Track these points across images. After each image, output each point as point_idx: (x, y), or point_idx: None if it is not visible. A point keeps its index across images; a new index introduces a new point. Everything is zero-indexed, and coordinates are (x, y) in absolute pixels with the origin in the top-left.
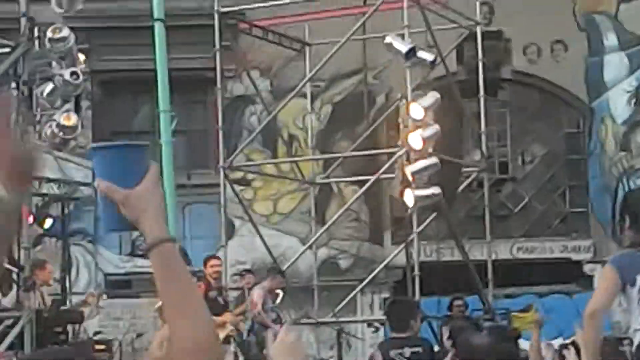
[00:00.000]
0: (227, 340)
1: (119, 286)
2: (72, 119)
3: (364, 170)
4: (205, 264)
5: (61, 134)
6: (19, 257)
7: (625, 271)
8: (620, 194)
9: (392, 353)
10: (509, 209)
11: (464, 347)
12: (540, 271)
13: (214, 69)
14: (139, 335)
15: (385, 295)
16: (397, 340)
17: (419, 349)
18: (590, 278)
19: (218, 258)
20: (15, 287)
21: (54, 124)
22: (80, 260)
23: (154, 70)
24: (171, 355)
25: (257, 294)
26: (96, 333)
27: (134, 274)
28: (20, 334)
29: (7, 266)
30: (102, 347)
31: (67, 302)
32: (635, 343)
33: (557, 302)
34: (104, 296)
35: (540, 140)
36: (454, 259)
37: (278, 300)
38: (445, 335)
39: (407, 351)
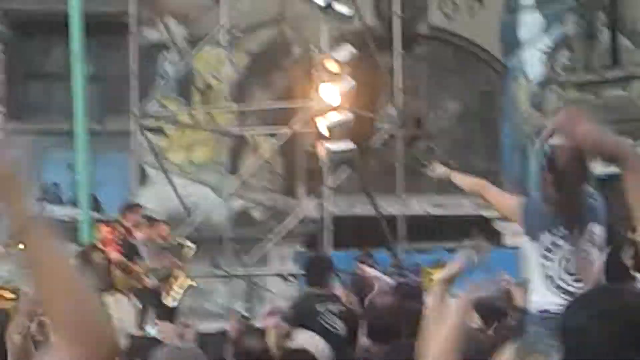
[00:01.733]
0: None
1: None
2: None
3: (279, 122)
4: (126, 211)
5: None
6: None
7: (531, 218)
8: (532, 153)
9: (319, 307)
10: (422, 164)
11: (370, 309)
12: (452, 227)
13: (129, 13)
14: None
15: (298, 248)
16: (317, 296)
17: (342, 307)
18: (500, 235)
19: (137, 205)
20: None
21: None
22: None
23: (68, 13)
24: (58, 341)
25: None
26: (7, 282)
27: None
28: None
29: None
30: (10, 295)
31: None
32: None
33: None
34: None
35: (456, 96)
36: (367, 213)
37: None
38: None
39: (332, 307)
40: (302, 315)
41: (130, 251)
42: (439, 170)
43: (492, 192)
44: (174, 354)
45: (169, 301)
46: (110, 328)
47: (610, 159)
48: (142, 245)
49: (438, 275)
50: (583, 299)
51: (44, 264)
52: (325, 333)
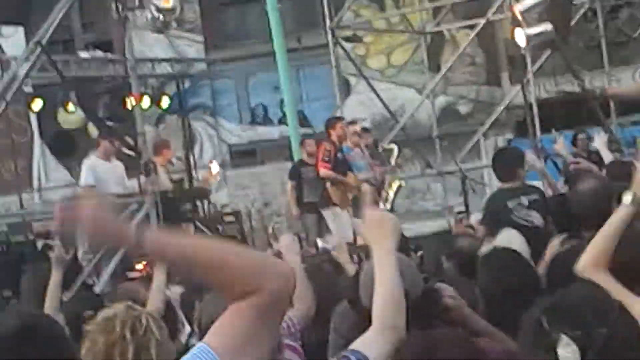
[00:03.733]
0: (355, 201)
1: (244, 156)
2: (170, 1)
3: (474, 14)
4: (332, 126)
5: (160, 17)
6: (135, 142)
7: None
8: None
9: (510, 204)
10: (626, 35)
11: (572, 195)
12: None
13: None
14: (266, 204)
15: (509, 136)
16: (509, 191)
17: (535, 196)
18: None
19: (341, 119)
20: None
21: (152, 8)
22: (203, 134)
23: None
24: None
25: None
26: (224, 206)
27: (256, 142)
28: (147, 218)
29: (126, 151)
30: (231, 218)
31: (193, 178)
32: None
33: None
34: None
35: None
36: (574, 91)
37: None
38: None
39: (524, 200)
40: (494, 215)
41: (340, 165)
42: None
43: None
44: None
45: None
46: (275, 267)
47: None
48: (353, 157)
49: None
50: None
51: (187, 248)
52: (519, 228)
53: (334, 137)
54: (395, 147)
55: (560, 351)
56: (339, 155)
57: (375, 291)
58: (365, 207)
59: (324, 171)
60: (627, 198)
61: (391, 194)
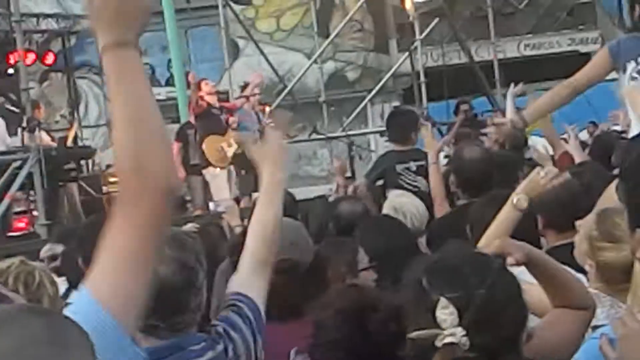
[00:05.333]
0: (235, 159)
1: None
2: None
3: None
4: (198, 87)
5: None
6: (19, 97)
7: (619, 56)
8: None
9: (399, 167)
10: (513, 6)
11: (456, 160)
12: (549, 67)
13: None
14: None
15: (395, 103)
16: (400, 153)
17: (424, 162)
18: None
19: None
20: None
21: None
22: (89, 93)
23: None
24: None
25: (239, 101)
26: (109, 166)
27: None
28: (30, 175)
29: (9, 107)
30: (116, 178)
31: (77, 137)
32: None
33: None
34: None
35: None
36: (461, 61)
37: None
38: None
39: (413, 165)
40: (383, 177)
41: (213, 121)
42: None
43: (579, 76)
44: None
45: None
46: (169, 177)
47: None
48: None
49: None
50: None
51: (122, 93)
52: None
53: (204, 95)
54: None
55: (438, 313)
56: (213, 110)
57: (252, 225)
58: (272, 130)
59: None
60: (520, 202)
61: None
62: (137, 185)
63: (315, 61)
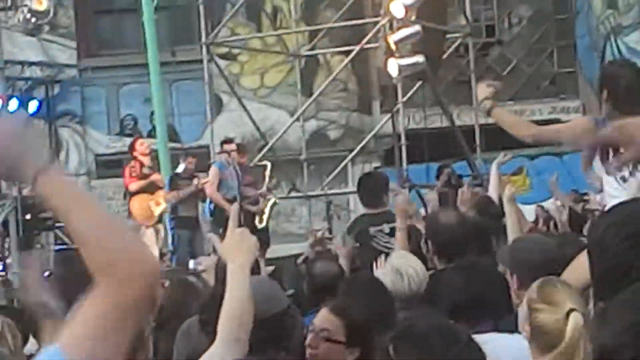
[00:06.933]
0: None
1: (110, 166)
2: (44, 4)
3: (349, 40)
4: (133, 145)
5: (33, 19)
6: None
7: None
8: (609, 52)
9: (372, 230)
10: (496, 72)
11: (430, 224)
12: None
13: None
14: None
15: (376, 164)
16: (373, 216)
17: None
18: None
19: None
20: None
21: (25, 9)
22: (70, 142)
23: None
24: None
25: (212, 171)
26: None
27: (124, 153)
28: (5, 222)
29: None
30: None
31: None
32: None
33: (547, 163)
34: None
35: (527, 0)
36: (443, 125)
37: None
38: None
39: (386, 227)
40: (357, 240)
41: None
42: (482, 98)
43: (553, 128)
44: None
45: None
46: (149, 262)
47: None
48: (225, 175)
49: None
50: (605, 213)
51: (70, 205)
52: (379, 255)
53: (139, 154)
54: (268, 164)
55: None
56: (144, 170)
57: (223, 305)
58: (230, 225)
59: (134, 184)
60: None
61: (266, 211)
62: (123, 273)
63: (297, 119)
